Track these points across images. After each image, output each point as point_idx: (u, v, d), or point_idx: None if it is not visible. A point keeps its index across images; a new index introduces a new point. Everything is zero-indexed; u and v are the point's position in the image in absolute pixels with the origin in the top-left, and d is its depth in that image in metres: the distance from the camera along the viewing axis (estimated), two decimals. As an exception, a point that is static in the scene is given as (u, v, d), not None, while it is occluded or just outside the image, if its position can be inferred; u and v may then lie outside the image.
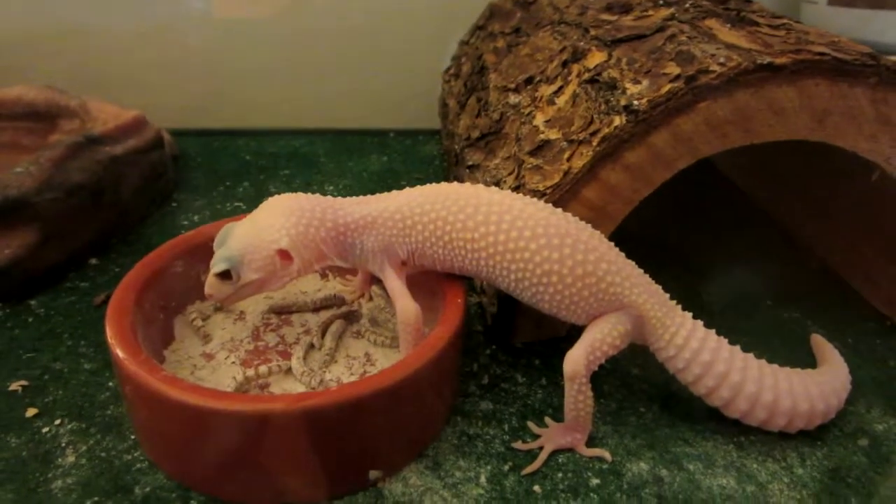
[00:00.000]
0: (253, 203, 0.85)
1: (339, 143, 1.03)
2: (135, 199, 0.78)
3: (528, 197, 0.53)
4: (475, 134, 0.75)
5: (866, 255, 0.71)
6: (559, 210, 0.52)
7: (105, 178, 0.73)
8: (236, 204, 0.85)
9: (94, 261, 0.73)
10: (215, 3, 1.02)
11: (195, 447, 0.46)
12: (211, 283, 0.51)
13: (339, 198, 0.55)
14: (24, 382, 0.57)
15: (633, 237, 0.58)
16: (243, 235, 0.51)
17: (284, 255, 0.51)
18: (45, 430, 0.52)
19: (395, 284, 0.53)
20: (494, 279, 0.53)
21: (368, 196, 0.55)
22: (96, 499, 0.47)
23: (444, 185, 0.54)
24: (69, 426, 0.53)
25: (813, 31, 0.60)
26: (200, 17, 1.00)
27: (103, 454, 0.50)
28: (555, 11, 0.79)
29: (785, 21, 0.61)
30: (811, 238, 0.81)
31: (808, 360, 0.61)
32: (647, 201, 0.57)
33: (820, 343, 0.62)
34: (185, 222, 0.81)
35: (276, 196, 0.54)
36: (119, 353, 0.47)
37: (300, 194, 0.54)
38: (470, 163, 0.73)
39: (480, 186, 0.53)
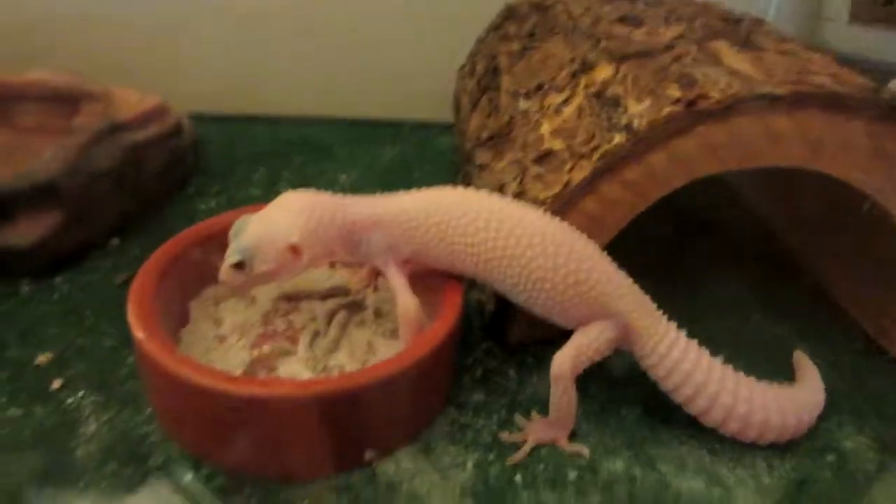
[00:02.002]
0: (267, 190, 0.89)
1: (353, 132, 1.05)
2: (155, 184, 0.81)
3: (527, 205, 0.56)
4: (485, 134, 0.78)
5: (858, 279, 0.73)
6: (556, 219, 0.55)
7: (127, 163, 0.76)
8: (251, 191, 0.88)
9: (115, 241, 0.76)
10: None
11: (206, 425, 0.50)
12: (225, 272, 0.54)
13: (349, 196, 0.58)
14: (49, 356, 0.61)
15: (633, 243, 0.61)
16: (257, 229, 0.54)
17: (295, 249, 0.54)
18: (69, 400, 0.57)
19: (398, 282, 0.57)
20: (491, 281, 0.56)
21: (376, 196, 0.58)
22: (115, 466, 0.51)
23: (448, 189, 0.57)
24: (91, 398, 0.57)
25: (818, 60, 0.62)
26: (220, 6, 1.02)
27: (122, 425, 0.55)
28: (569, 18, 0.81)
29: (792, 46, 0.63)
30: (809, 256, 0.82)
31: (788, 376, 0.63)
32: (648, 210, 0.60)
33: (801, 360, 0.64)
34: (202, 206, 0.84)
35: (290, 192, 0.57)
36: (139, 335, 0.51)
37: (312, 192, 0.57)
38: (479, 162, 0.76)
39: (483, 192, 0.57)
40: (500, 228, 0.54)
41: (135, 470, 0.51)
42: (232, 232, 0.55)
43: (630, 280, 0.56)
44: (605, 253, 0.56)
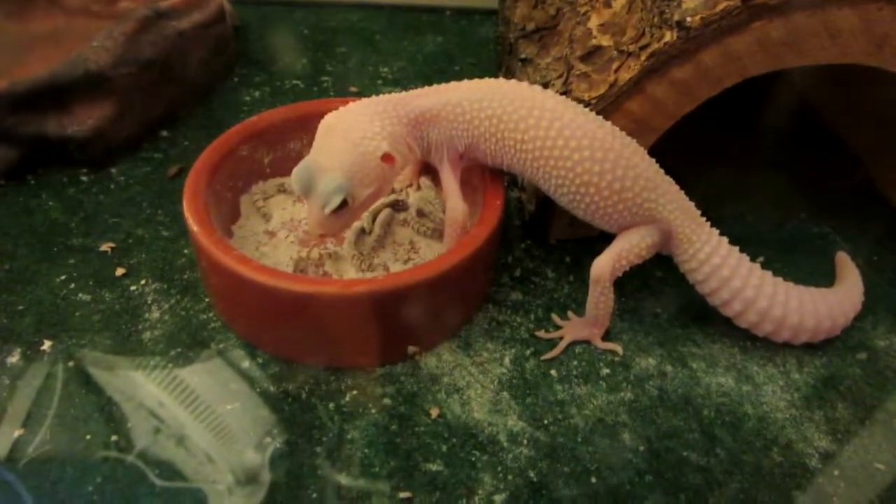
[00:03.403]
0: (310, 81, 0.89)
1: (395, 19, 1.02)
2: (199, 74, 0.82)
3: (580, 106, 0.55)
4: (530, 26, 0.75)
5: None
6: (607, 123, 0.55)
7: (173, 53, 0.76)
8: (294, 82, 0.88)
9: (165, 133, 0.78)
10: None
11: (260, 317, 0.54)
12: (323, 223, 0.51)
13: (397, 94, 0.57)
14: (111, 244, 0.64)
15: (680, 137, 0.60)
16: (340, 160, 0.50)
17: (388, 158, 0.53)
18: (132, 288, 0.61)
19: (451, 184, 0.57)
20: (537, 180, 0.57)
21: (426, 88, 0.57)
22: (179, 350, 0.56)
23: (501, 81, 0.56)
24: (153, 286, 0.61)
25: (890, -55, 0.57)
26: None
27: (183, 313, 0.59)
28: None
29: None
30: (864, 153, 0.80)
31: (828, 276, 0.64)
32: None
33: (843, 261, 0.64)
34: (247, 98, 0.85)
35: (340, 111, 0.54)
36: (195, 228, 0.54)
37: (361, 103, 0.54)
38: (523, 56, 0.74)
39: (537, 88, 0.55)
40: (551, 128, 0.53)
41: (197, 354, 0.56)
42: (300, 184, 0.51)
43: (676, 186, 0.56)
44: (651, 155, 0.56)
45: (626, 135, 0.55)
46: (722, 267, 0.55)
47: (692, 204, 0.56)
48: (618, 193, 0.54)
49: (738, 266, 0.56)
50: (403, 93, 0.57)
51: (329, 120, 0.53)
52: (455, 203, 0.57)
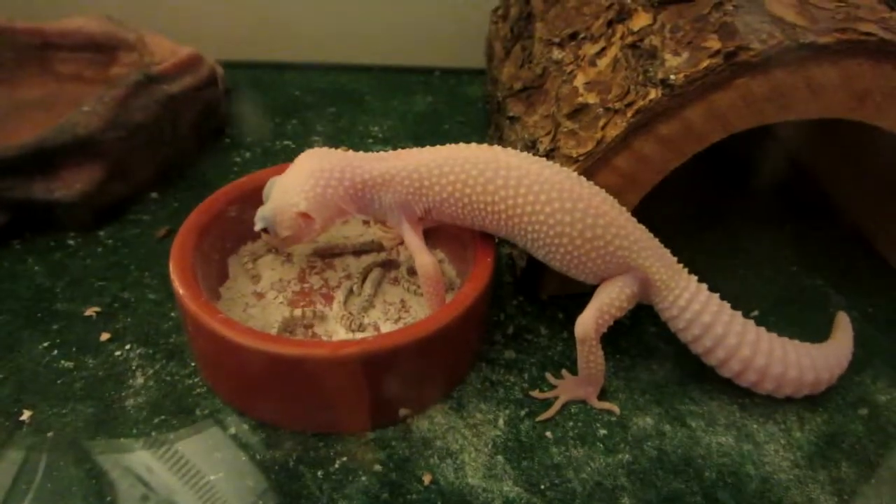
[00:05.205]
0: (301, 141, 0.89)
1: (384, 80, 1.04)
2: (190, 136, 0.82)
3: (543, 160, 0.56)
4: (517, 85, 0.77)
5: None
6: (574, 174, 0.55)
7: (163, 116, 0.77)
8: (285, 142, 0.89)
9: (154, 195, 0.78)
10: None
11: (249, 381, 0.52)
12: (263, 235, 0.57)
13: (362, 153, 0.58)
14: (97, 309, 0.63)
15: (667, 194, 0.60)
16: (275, 197, 0.56)
17: (305, 215, 0.55)
18: (117, 353, 0.59)
19: (413, 240, 0.57)
20: (512, 237, 0.57)
21: (390, 152, 0.58)
22: (163, 417, 0.54)
23: (462, 147, 0.57)
24: (138, 351, 0.59)
25: (866, 4, 0.58)
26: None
27: (168, 378, 0.57)
28: (606, -39, 0.78)
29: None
30: (850, 206, 0.80)
31: (823, 329, 0.62)
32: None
33: (840, 320, 0.63)
34: (238, 159, 0.85)
35: (306, 153, 0.57)
36: (181, 291, 0.53)
37: (324, 152, 0.57)
38: (511, 114, 0.75)
39: (498, 149, 0.56)
40: (520, 185, 0.54)
41: (182, 422, 0.54)
42: (264, 193, 0.57)
43: (649, 234, 0.56)
44: (635, 206, 0.56)
45: (604, 189, 0.55)
46: (702, 313, 0.55)
47: (668, 251, 0.56)
48: (590, 241, 0.53)
49: (719, 312, 0.55)
50: (363, 154, 0.58)
51: (302, 155, 0.57)
52: (422, 259, 0.56)
